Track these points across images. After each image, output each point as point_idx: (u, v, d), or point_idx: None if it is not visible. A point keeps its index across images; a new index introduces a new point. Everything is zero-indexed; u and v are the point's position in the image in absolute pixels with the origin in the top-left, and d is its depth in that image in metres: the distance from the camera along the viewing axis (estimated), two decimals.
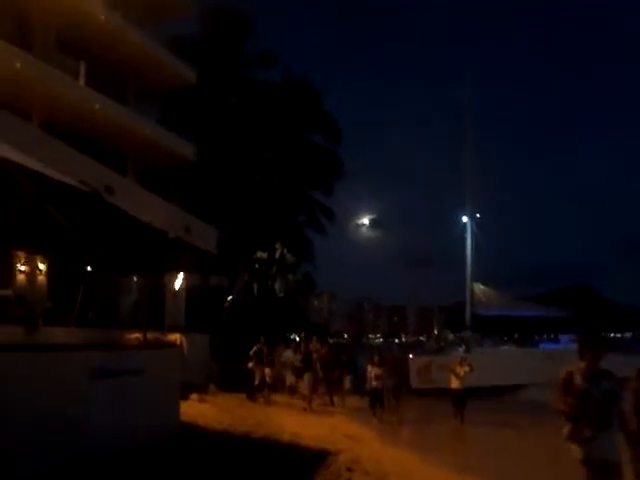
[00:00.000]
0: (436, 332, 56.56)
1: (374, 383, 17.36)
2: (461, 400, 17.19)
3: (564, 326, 42.55)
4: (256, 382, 19.53)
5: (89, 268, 13.06)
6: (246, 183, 31.82)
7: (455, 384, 17.43)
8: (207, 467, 8.90)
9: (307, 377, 18.38)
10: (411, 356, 30.10)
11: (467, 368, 17.51)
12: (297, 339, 28.43)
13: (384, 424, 16.36)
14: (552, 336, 44.52)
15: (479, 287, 36.48)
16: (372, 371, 17.52)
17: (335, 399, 19.42)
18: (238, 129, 32.63)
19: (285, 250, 35.58)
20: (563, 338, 36.73)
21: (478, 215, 37.19)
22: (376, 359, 17.88)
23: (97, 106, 20.14)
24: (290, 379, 20.22)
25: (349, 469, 9.83)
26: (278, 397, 19.40)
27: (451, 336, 37.13)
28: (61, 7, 19.54)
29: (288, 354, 20.97)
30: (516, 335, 39.03)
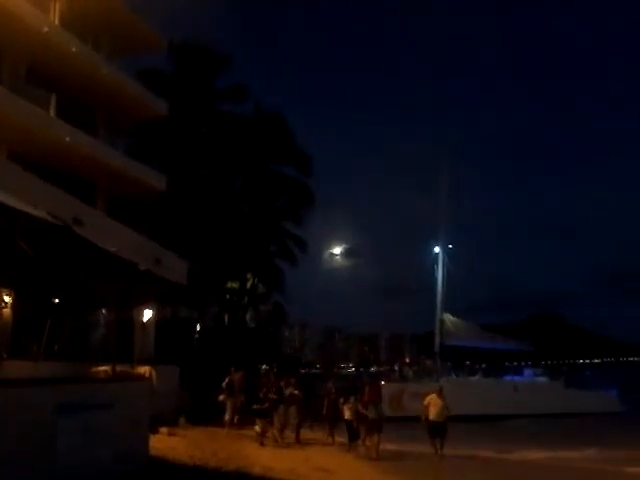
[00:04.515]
0: (407, 361, 56.51)
1: (349, 414, 16.98)
2: (439, 430, 16.29)
3: (529, 358, 43.32)
4: (227, 415, 19.25)
5: (57, 301, 12.88)
6: (217, 213, 31.81)
7: (433, 415, 16.43)
8: None
9: (281, 409, 18.11)
10: (383, 382, 30.16)
11: (443, 402, 16.55)
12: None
13: (359, 457, 16.01)
14: (516, 364, 45.24)
15: (449, 317, 36.87)
16: (350, 402, 17.12)
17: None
18: (209, 160, 32.76)
19: (256, 280, 35.47)
20: (527, 371, 37.30)
21: (450, 246, 37.74)
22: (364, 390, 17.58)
23: (67, 138, 20.07)
24: None
25: None
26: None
27: (414, 368, 37.32)
28: (32, 39, 19.56)
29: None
30: (483, 365, 39.49)
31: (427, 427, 16.55)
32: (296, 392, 18.28)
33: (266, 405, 17.12)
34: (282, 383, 19.21)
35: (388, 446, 16.89)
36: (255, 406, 17.16)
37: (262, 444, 16.20)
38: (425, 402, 16.77)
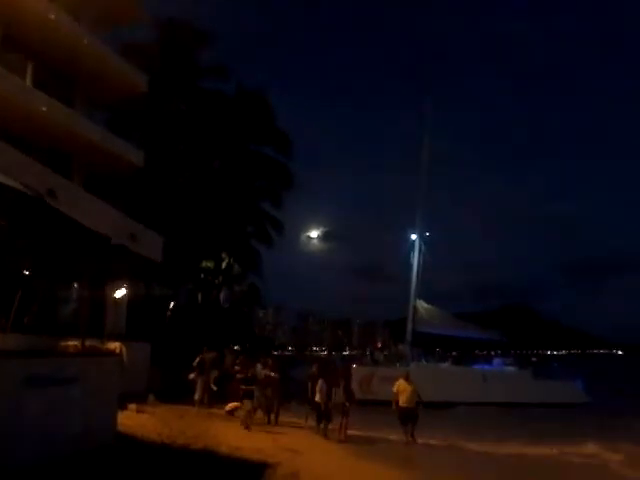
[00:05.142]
0: (379, 346, 57.04)
1: (319, 397, 16.69)
2: (409, 416, 16.11)
3: (499, 347, 44.05)
4: (196, 394, 19.24)
5: (27, 272, 12.69)
6: (194, 191, 31.53)
7: (402, 401, 16.22)
8: (142, 479, 8.77)
9: (256, 391, 18.06)
10: (354, 366, 30.44)
11: (413, 387, 16.41)
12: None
13: (328, 440, 15.93)
14: (486, 353, 45.96)
15: (422, 304, 37.17)
16: (320, 384, 16.79)
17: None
18: (188, 137, 32.39)
19: (232, 260, 35.32)
20: (496, 360, 37.83)
21: (427, 234, 37.94)
22: (317, 370, 17.43)
23: (44, 108, 19.66)
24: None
25: None
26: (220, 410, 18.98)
27: (385, 353, 37.67)
28: (7, 4, 19.04)
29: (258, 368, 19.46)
30: (454, 353, 39.99)
31: (398, 413, 16.30)
32: (272, 374, 18.06)
33: (253, 386, 16.97)
34: (259, 365, 18.95)
35: (358, 430, 17.01)
36: (242, 386, 16.98)
37: (248, 428, 15.79)
38: (394, 389, 16.59)
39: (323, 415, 16.67)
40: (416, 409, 16.27)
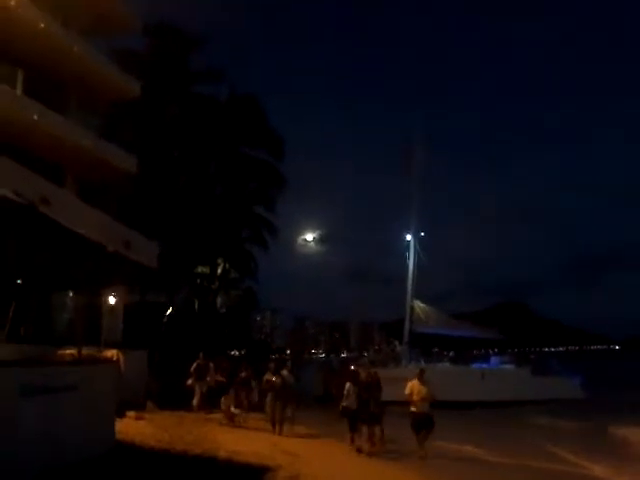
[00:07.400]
0: (377, 348, 57.02)
1: (349, 403, 14.84)
2: (424, 424, 14.07)
3: (496, 345, 44.03)
4: (195, 400, 19.20)
5: (21, 282, 12.63)
6: (188, 197, 31.50)
7: (416, 407, 14.17)
8: None
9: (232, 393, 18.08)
10: (352, 367, 30.38)
11: (427, 389, 14.37)
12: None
13: (328, 444, 15.40)
14: (483, 351, 45.95)
15: (419, 305, 37.19)
16: (351, 389, 14.95)
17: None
18: (182, 142, 32.38)
19: (227, 265, 35.31)
20: (494, 359, 37.79)
21: (422, 234, 38.00)
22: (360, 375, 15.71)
23: (35, 116, 19.59)
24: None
25: None
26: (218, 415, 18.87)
27: (377, 354, 37.61)
28: None
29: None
30: (451, 353, 39.96)
31: (411, 420, 14.27)
32: (274, 378, 17.20)
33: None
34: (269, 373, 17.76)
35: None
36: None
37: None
38: (407, 390, 14.35)
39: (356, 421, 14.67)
40: (431, 414, 14.23)
